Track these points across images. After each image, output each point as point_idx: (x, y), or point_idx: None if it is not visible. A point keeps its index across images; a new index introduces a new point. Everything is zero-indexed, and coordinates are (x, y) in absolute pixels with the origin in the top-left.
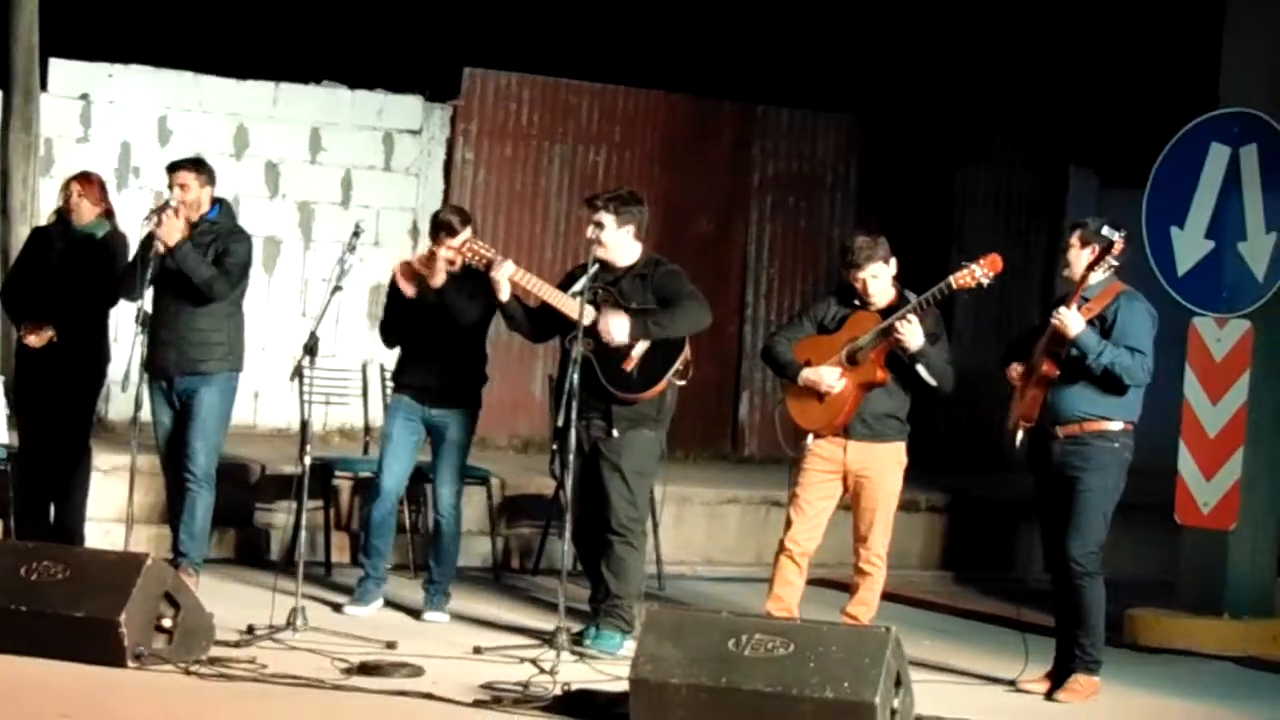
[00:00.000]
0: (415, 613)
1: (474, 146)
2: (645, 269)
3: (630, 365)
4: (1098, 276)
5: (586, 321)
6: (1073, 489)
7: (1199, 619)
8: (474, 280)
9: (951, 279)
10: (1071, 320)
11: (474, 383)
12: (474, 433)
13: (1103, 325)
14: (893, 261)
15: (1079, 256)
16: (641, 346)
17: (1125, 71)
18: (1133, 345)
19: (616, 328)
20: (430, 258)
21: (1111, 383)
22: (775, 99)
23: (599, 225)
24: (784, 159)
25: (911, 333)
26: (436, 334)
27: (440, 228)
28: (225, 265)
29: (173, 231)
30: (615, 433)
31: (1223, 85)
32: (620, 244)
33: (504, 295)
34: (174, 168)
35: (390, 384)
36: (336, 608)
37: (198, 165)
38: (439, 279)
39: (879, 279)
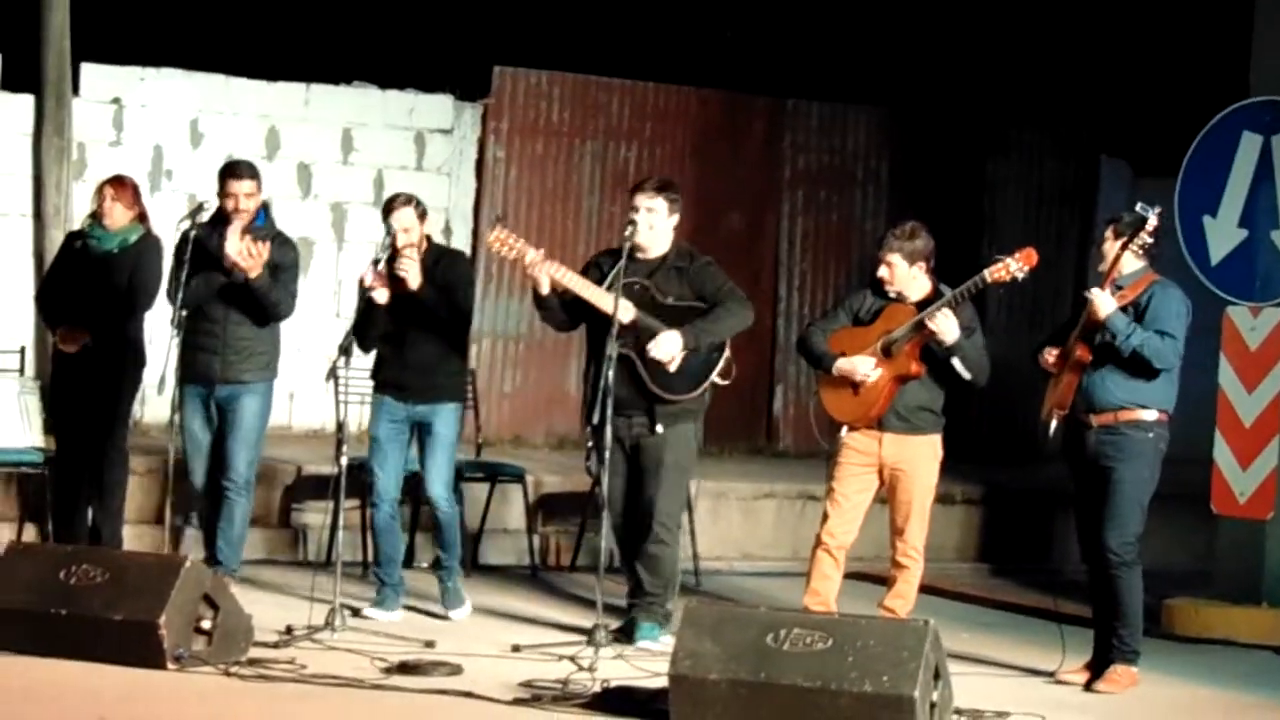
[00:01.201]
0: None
1: (505, 145)
2: (680, 261)
3: (674, 366)
4: (1132, 265)
5: (627, 319)
6: (1109, 479)
7: (1237, 608)
8: (444, 272)
9: (986, 273)
10: (1103, 301)
11: (456, 375)
12: (461, 425)
13: (1136, 311)
14: (922, 262)
15: (1113, 250)
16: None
17: (1156, 61)
18: (1163, 329)
19: (668, 346)
20: (396, 258)
21: (1142, 367)
22: (806, 93)
23: (651, 211)
24: (815, 153)
25: (946, 326)
26: (413, 330)
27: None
28: (282, 280)
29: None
30: (659, 429)
31: (1254, 73)
32: (665, 233)
33: (545, 289)
34: (235, 175)
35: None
36: (355, 612)
37: (254, 171)
38: (417, 279)
39: (895, 269)
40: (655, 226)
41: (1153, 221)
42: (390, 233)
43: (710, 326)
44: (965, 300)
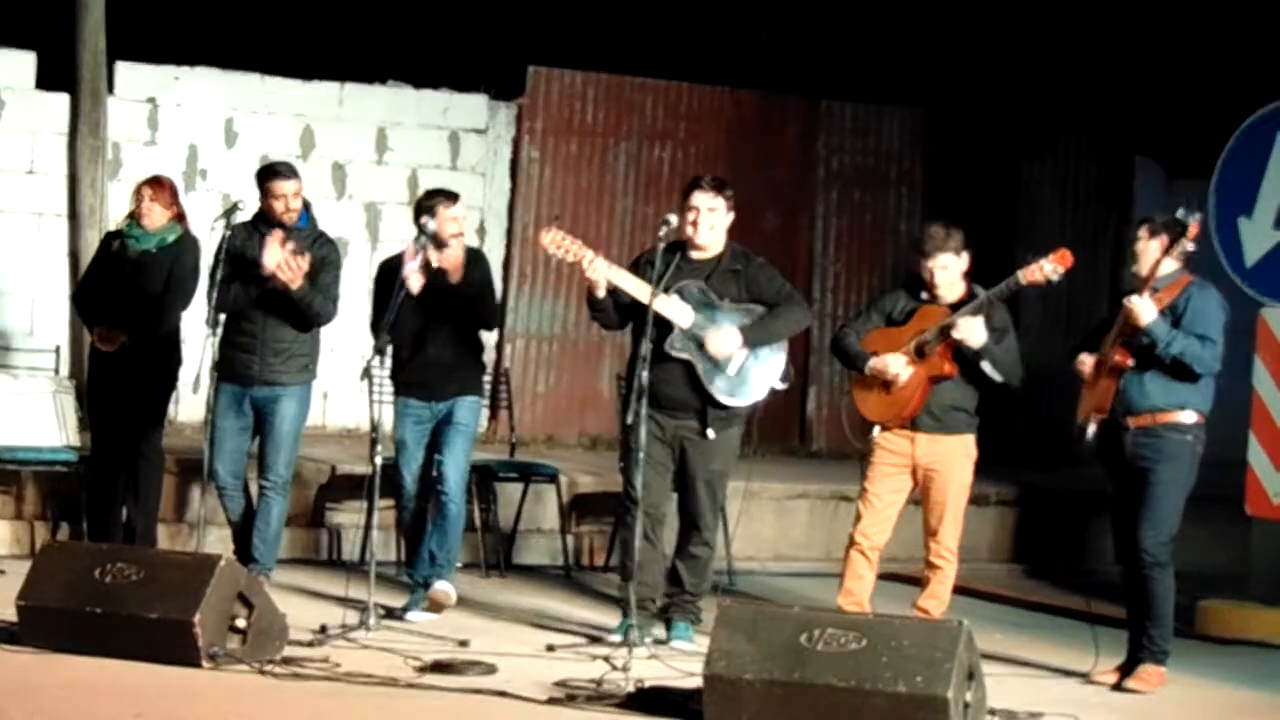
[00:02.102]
0: (486, 612)
1: (540, 145)
2: (736, 263)
3: (732, 369)
4: (1169, 267)
5: (687, 324)
6: (1146, 480)
7: (1271, 610)
8: (473, 271)
9: (1020, 274)
10: (1143, 308)
11: (475, 370)
12: (480, 417)
13: (1173, 314)
14: (965, 256)
15: (1147, 249)
16: (745, 352)
17: (1191, 61)
18: (1202, 333)
19: (727, 343)
20: (441, 248)
21: (1182, 371)
22: (840, 94)
23: (713, 210)
24: (849, 153)
25: (972, 331)
26: (437, 327)
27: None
28: (322, 285)
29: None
30: (710, 434)
31: None
32: (723, 233)
33: (602, 292)
34: (280, 176)
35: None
36: (389, 612)
37: (295, 171)
38: (459, 274)
39: (948, 270)
40: (715, 226)
41: (1194, 229)
42: (435, 222)
43: (768, 327)
44: (999, 302)
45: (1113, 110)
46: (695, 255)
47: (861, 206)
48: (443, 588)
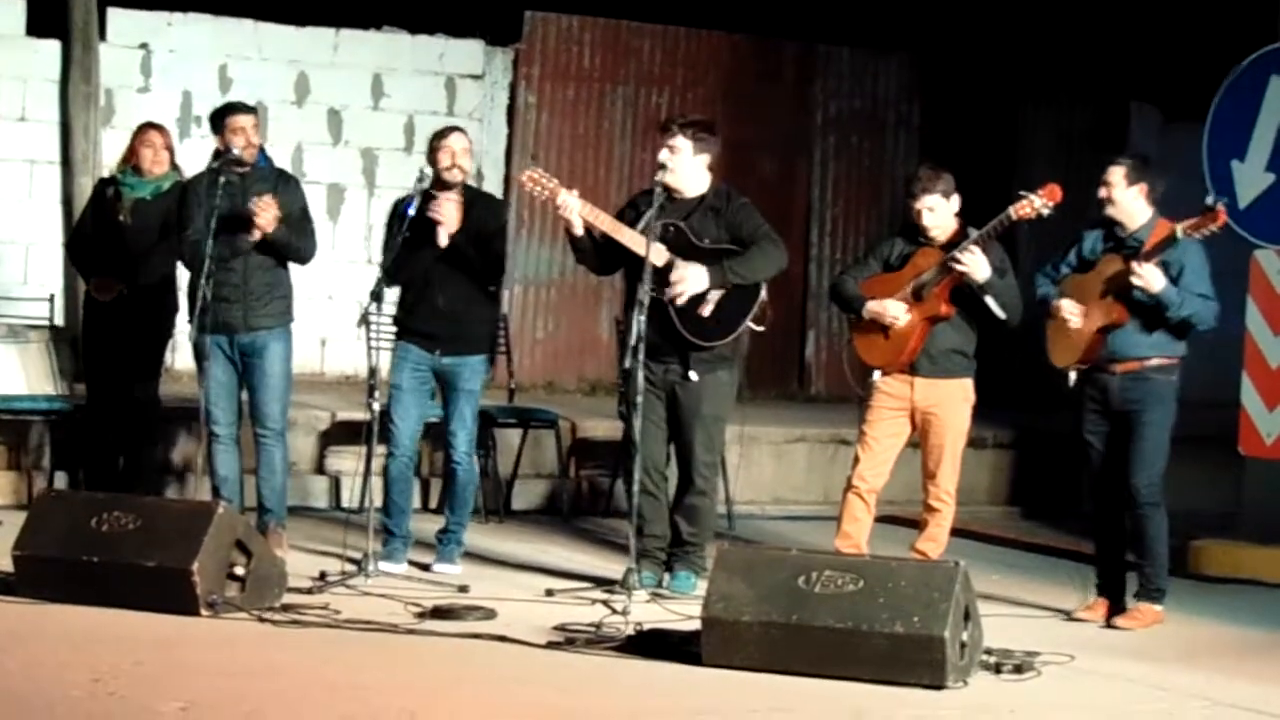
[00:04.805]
0: (485, 558)
1: (536, 90)
2: (716, 201)
3: (707, 310)
4: (1144, 215)
5: (661, 263)
6: (1136, 422)
7: (1263, 549)
8: (481, 216)
9: (1011, 210)
10: (1154, 277)
11: (485, 325)
12: (488, 378)
13: (1166, 272)
14: (955, 198)
15: (1126, 196)
16: (719, 291)
17: (1186, 5)
18: (1204, 293)
19: (695, 280)
20: (435, 195)
21: (1181, 328)
22: (837, 38)
23: (673, 150)
24: (846, 98)
25: (975, 264)
26: (444, 274)
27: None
28: (297, 224)
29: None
30: (693, 376)
31: None
32: (693, 173)
33: (578, 230)
34: (234, 110)
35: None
36: (357, 564)
37: (254, 110)
38: (454, 224)
39: (936, 213)
40: (679, 167)
41: (1222, 214)
42: (427, 167)
43: (741, 267)
44: (992, 239)
45: (1108, 54)
46: (676, 196)
47: (859, 151)
48: (444, 569)
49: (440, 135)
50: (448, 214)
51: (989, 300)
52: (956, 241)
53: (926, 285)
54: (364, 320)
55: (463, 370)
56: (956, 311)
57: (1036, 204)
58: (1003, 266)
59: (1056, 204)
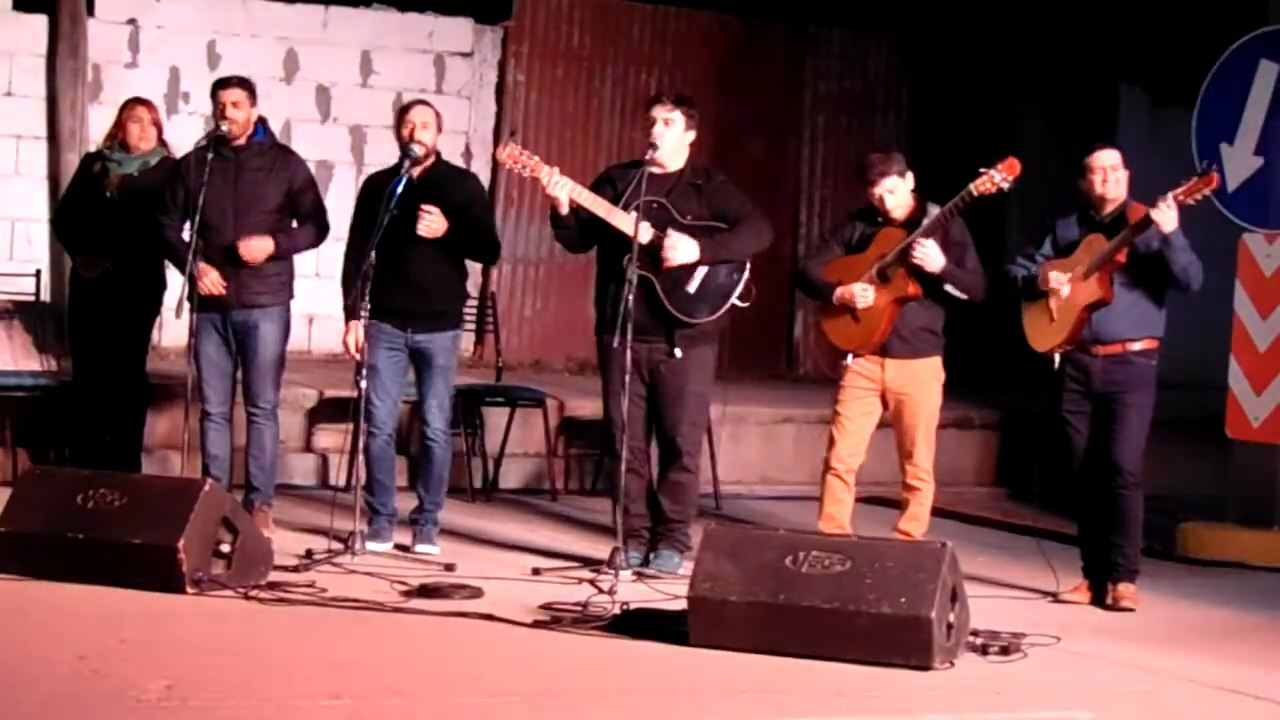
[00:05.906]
0: (470, 536)
1: (525, 68)
2: (697, 178)
3: (692, 286)
4: (1118, 199)
5: (646, 240)
6: (1118, 404)
7: (1250, 531)
8: (451, 191)
9: (971, 186)
10: (1169, 217)
11: (455, 302)
12: (458, 352)
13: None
14: (910, 176)
15: (1121, 178)
16: (704, 268)
17: None
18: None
19: (684, 251)
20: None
21: (1160, 293)
22: (827, 19)
23: (667, 122)
24: (836, 79)
25: (929, 257)
26: (413, 251)
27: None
28: (308, 208)
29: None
30: (678, 353)
31: (1272, 1)
32: (680, 147)
33: (565, 209)
34: (225, 85)
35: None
36: (344, 543)
37: (245, 83)
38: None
39: (895, 194)
40: (669, 140)
41: (1214, 178)
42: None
43: (728, 243)
44: (955, 216)
45: (1098, 37)
46: (656, 171)
47: (848, 132)
48: (425, 550)
49: (405, 109)
50: (435, 229)
51: (948, 287)
52: (916, 218)
53: (890, 266)
54: (354, 313)
55: (434, 347)
56: (923, 290)
57: (996, 178)
58: (963, 242)
59: (1015, 178)
